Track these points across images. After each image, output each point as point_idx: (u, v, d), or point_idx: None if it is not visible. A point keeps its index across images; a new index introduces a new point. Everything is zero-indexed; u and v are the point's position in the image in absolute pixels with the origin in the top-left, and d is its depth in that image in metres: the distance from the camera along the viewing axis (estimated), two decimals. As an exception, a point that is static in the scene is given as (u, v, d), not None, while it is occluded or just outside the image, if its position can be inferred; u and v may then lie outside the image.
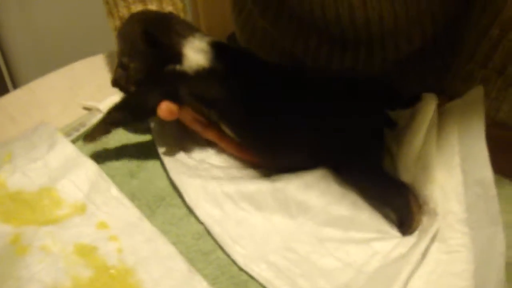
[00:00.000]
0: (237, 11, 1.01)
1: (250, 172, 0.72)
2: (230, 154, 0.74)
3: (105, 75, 0.92)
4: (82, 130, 0.78)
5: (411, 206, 0.62)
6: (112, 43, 0.91)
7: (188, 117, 0.72)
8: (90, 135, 0.73)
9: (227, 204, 0.66)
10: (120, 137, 0.78)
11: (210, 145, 0.76)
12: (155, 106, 0.68)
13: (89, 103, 0.83)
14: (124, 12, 0.77)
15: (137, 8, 0.77)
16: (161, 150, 0.74)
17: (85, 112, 0.83)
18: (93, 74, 0.93)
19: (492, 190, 0.58)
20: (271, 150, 0.69)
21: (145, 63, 0.70)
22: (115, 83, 0.74)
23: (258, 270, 0.60)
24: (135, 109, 0.72)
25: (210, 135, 0.73)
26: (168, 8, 0.78)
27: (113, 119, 0.72)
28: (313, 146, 0.66)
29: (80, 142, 0.77)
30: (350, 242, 0.62)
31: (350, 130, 0.64)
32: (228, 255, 0.62)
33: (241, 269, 0.60)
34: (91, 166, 0.70)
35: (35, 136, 0.74)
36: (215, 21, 0.87)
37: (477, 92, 0.64)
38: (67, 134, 0.76)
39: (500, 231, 0.56)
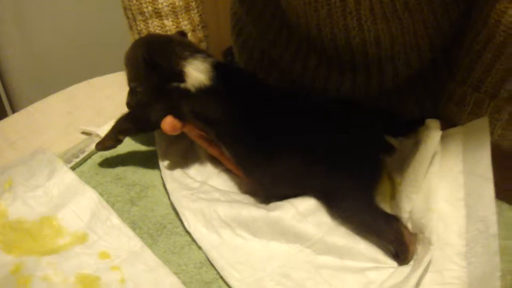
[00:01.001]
0: (236, 32, 1.02)
1: (249, 196, 0.73)
2: (231, 175, 0.75)
3: (104, 98, 0.92)
4: (82, 156, 0.78)
5: (404, 237, 0.62)
6: (111, 65, 0.91)
7: (194, 132, 0.73)
8: (101, 143, 0.76)
9: (224, 230, 0.67)
10: (119, 163, 0.79)
11: (212, 164, 0.77)
12: (158, 119, 0.70)
13: (88, 128, 0.83)
14: (142, 27, 0.80)
15: (153, 23, 0.79)
16: (164, 165, 0.75)
17: (84, 137, 0.83)
18: (92, 98, 0.93)
19: (494, 229, 0.58)
20: (262, 174, 0.69)
21: (150, 86, 0.72)
22: (128, 106, 0.76)
23: None
24: (140, 121, 0.75)
25: (213, 151, 0.75)
26: (184, 23, 0.80)
27: (120, 127, 0.75)
28: (305, 173, 0.66)
29: (80, 169, 0.77)
30: (345, 271, 0.62)
31: (343, 158, 0.64)
32: (228, 285, 0.62)
33: (243, 299, 0.60)
34: (91, 194, 0.70)
35: (34, 162, 0.74)
36: (211, 37, 0.87)
37: (482, 123, 0.64)
38: (66, 160, 0.76)
39: (497, 269, 0.55)
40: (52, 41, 1.81)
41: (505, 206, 0.67)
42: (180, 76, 0.69)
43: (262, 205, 0.69)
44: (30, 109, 0.91)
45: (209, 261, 0.64)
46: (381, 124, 0.67)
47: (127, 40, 0.83)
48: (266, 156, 0.67)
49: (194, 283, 0.62)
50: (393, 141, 0.69)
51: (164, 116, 0.70)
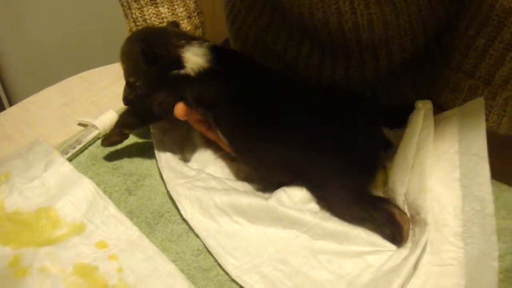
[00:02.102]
0: (230, 19, 1.01)
1: (245, 184, 0.73)
2: (228, 162, 0.76)
3: (100, 90, 0.92)
4: (78, 147, 0.77)
5: (395, 216, 0.61)
6: (106, 58, 0.91)
7: (194, 117, 0.74)
8: (107, 140, 0.76)
9: (222, 217, 0.67)
10: (116, 153, 0.78)
11: (209, 151, 0.77)
12: (161, 110, 0.71)
13: (85, 120, 0.83)
14: (137, 15, 0.80)
15: (148, 10, 0.79)
16: (159, 154, 0.75)
17: (81, 128, 0.83)
18: (88, 89, 0.93)
19: (490, 208, 0.58)
20: (256, 159, 0.70)
21: (150, 78, 0.71)
22: (126, 100, 0.75)
23: (251, 282, 0.60)
24: (143, 113, 0.75)
25: (211, 135, 0.75)
26: (179, 10, 0.80)
27: (125, 122, 0.75)
28: (297, 164, 0.66)
29: (76, 160, 0.77)
30: (343, 255, 0.62)
31: (338, 154, 0.64)
32: (226, 271, 0.62)
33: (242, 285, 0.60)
34: (88, 184, 0.69)
35: (30, 154, 0.74)
36: (208, 30, 0.87)
37: (477, 104, 0.64)
38: (63, 151, 0.76)
39: (494, 249, 0.55)
40: (47, 34, 1.80)
41: (504, 187, 0.67)
42: (179, 62, 0.69)
43: (259, 193, 0.69)
44: (26, 102, 0.90)
45: (207, 248, 0.64)
46: (380, 119, 0.67)
47: (123, 31, 0.83)
48: (260, 142, 0.67)
49: (192, 270, 0.62)
50: (389, 133, 0.69)
51: (167, 105, 0.70)
